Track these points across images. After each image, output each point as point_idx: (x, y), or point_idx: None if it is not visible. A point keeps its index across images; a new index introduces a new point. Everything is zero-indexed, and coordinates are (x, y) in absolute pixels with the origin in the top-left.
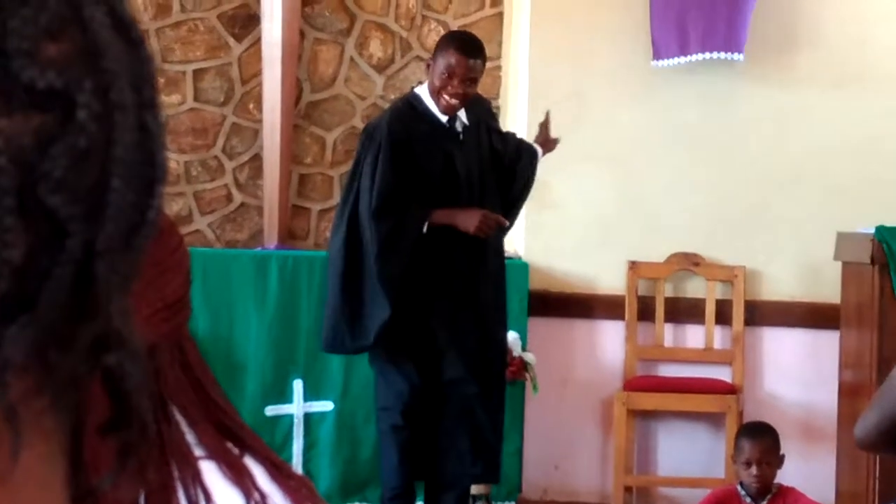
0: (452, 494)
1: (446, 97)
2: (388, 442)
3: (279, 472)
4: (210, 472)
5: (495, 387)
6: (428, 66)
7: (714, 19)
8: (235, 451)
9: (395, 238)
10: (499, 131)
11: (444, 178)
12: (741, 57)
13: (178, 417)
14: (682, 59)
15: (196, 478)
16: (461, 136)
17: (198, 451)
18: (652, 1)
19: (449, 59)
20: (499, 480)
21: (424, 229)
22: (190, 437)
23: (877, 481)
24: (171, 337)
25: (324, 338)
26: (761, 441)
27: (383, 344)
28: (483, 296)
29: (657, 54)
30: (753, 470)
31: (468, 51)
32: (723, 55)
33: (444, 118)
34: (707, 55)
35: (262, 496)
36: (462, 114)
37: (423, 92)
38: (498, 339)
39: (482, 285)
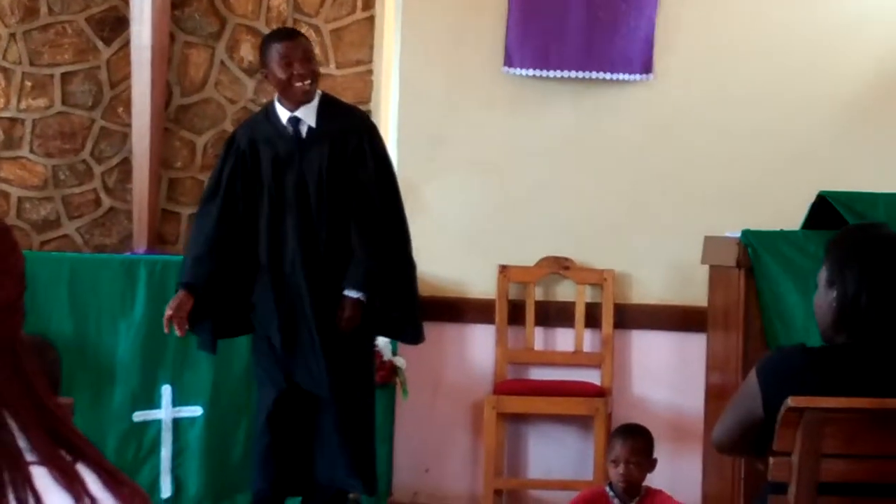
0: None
1: (297, 83)
2: (254, 446)
3: (113, 479)
4: (42, 478)
5: (347, 397)
6: (266, 76)
7: (572, 35)
8: (68, 457)
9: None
10: (368, 160)
11: (275, 179)
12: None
13: (10, 422)
14: (536, 72)
15: (27, 481)
16: (305, 140)
17: (29, 456)
18: (510, 8)
19: (279, 50)
20: (371, 491)
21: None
22: (22, 443)
23: (742, 483)
24: (2, 341)
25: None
26: (632, 441)
27: (254, 346)
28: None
29: (508, 62)
30: (620, 468)
31: (289, 35)
32: (580, 74)
33: (285, 120)
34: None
35: (93, 501)
36: (309, 117)
37: (278, 102)
38: (343, 348)
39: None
